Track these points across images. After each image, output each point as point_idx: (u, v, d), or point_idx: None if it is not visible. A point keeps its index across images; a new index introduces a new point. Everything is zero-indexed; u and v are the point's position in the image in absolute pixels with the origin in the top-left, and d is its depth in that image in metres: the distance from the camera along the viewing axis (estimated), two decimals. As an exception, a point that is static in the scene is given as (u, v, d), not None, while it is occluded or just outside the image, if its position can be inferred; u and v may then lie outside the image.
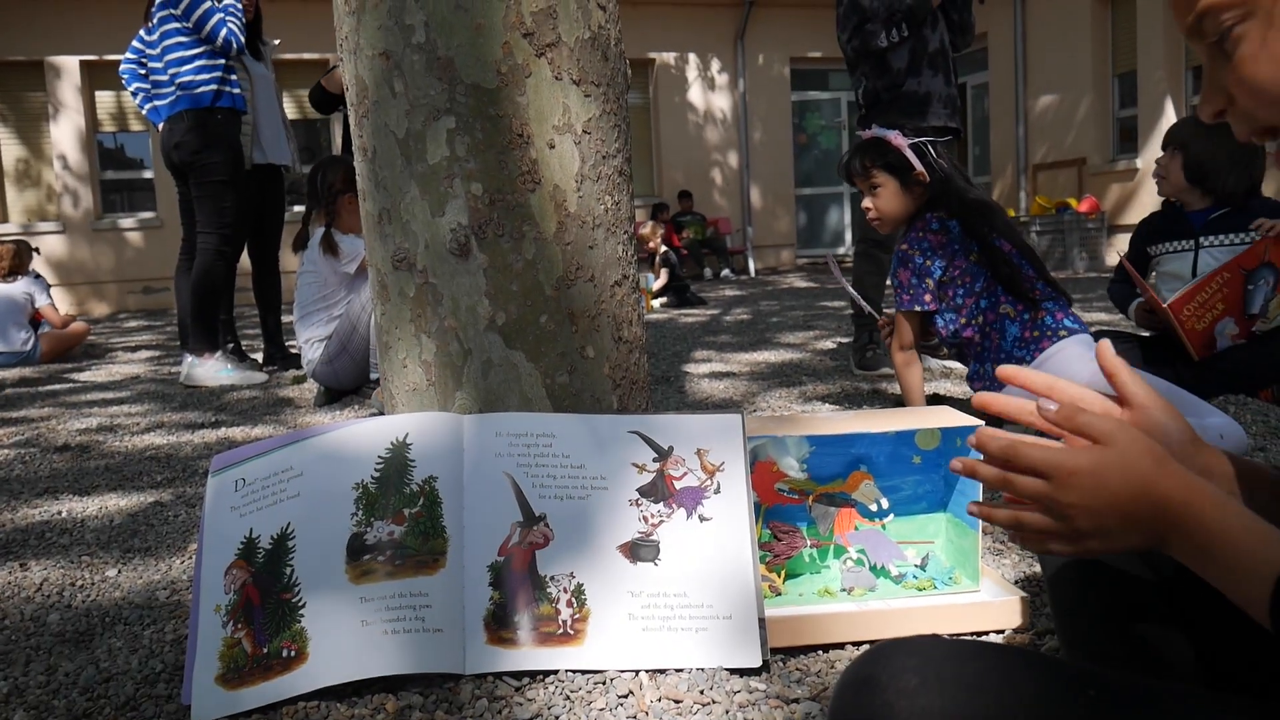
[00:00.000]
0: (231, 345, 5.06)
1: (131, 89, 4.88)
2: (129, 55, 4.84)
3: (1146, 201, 10.58)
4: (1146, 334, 3.36)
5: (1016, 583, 1.67)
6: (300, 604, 1.37)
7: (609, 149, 1.63)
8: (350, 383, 3.94)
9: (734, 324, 6.73)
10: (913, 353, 2.89)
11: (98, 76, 11.87)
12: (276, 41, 5.47)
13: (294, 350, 5.03)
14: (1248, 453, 2.39)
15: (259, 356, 5.36)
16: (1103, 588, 1.04)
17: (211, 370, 4.62)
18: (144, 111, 4.87)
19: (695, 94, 14.32)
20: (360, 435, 1.49)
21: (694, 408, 3.48)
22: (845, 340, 5.22)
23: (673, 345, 5.51)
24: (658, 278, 9.30)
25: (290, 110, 12.21)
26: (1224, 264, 2.98)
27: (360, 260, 3.89)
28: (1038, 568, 1.73)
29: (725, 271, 13.39)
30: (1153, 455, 0.81)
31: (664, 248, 9.74)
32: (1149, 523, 0.80)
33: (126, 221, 12.27)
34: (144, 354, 6.52)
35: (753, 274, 14.03)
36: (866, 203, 2.91)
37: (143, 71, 4.81)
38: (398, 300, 1.63)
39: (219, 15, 4.54)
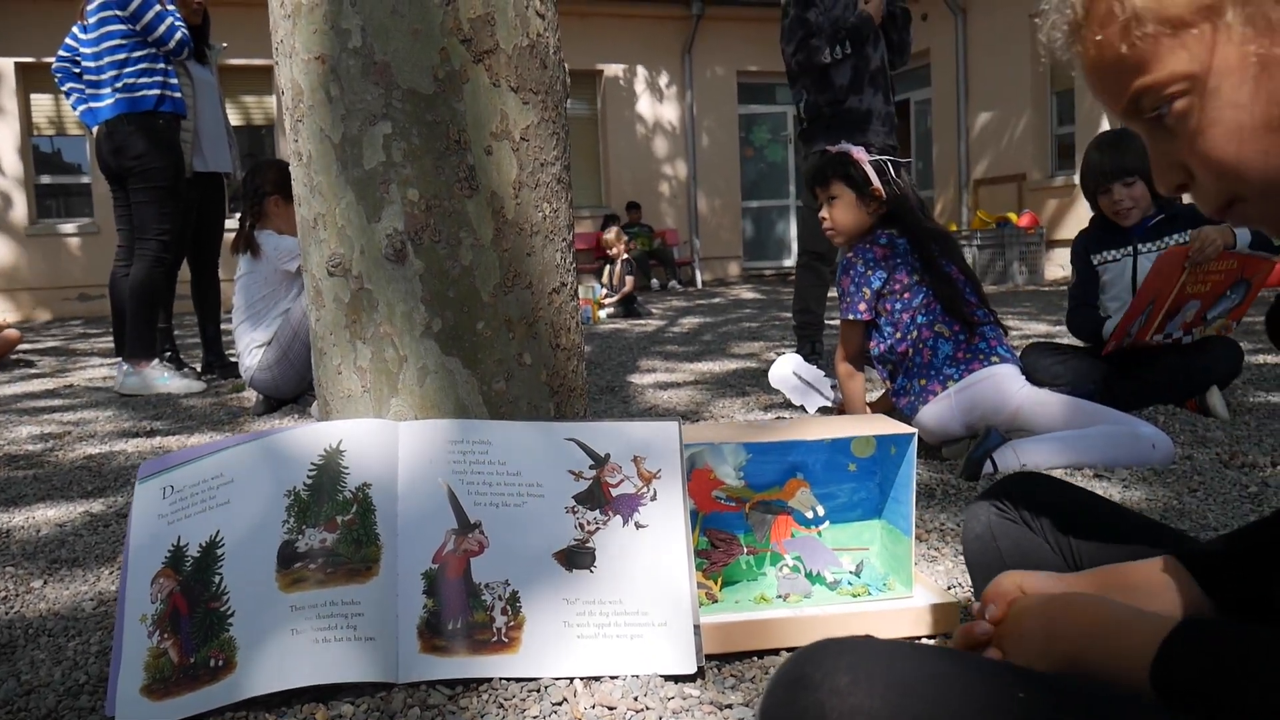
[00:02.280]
0: (169, 353, 4.97)
1: (65, 89, 4.75)
2: (61, 54, 4.71)
3: (1083, 216, 10.76)
4: (1081, 345, 3.43)
5: (950, 588, 1.69)
6: (229, 613, 1.35)
7: (547, 156, 1.63)
8: (289, 391, 3.89)
9: (680, 334, 6.76)
10: (857, 363, 2.92)
11: (34, 79, 11.61)
12: (224, 45, 5.39)
13: (233, 359, 4.96)
14: (1175, 461, 2.45)
15: (198, 365, 5.27)
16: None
17: (148, 379, 4.54)
18: (78, 113, 4.75)
19: (643, 106, 14.37)
20: (293, 442, 1.47)
21: (637, 417, 3.49)
22: (789, 347, 5.26)
23: (618, 356, 5.51)
24: (624, 286, 9.27)
25: (234, 117, 12.07)
26: (1238, 253, 2.93)
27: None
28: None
29: (672, 283, 13.43)
30: (1041, 597, 0.99)
31: (625, 255, 9.74)
32: (1049, 631, 0.94)
33: (62, 227, 12.02)
34: (79, 362, 6.38)
35: (700, 285, 14.09)
36: (824, 213, 2.94)
37: (76, 71, 4.68)
38: (333, 306, 1.61)
39: (170, 19, 4.46)
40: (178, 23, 4.51)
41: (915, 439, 1.56)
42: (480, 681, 1.35)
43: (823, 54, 4.06)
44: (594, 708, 1.28)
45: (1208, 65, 0.74)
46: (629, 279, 9.36)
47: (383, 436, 1.48)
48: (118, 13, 4.44)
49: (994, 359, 2.63)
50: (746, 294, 11.68)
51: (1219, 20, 0.72)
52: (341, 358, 1.62)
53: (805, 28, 4.09)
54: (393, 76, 1.52)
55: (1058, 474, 2.41)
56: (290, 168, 1.70)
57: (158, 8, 4.43)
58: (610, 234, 10.01)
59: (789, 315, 7.74)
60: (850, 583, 1.63)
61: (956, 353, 2.65)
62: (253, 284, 3.96)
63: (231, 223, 4.91)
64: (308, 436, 1.47)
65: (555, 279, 1.66)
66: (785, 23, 4.20)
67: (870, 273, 2.77)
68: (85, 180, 12.12)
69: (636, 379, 4.51)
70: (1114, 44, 0.76)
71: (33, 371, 5.90)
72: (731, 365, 4.86)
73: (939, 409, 2.63)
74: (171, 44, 4.47)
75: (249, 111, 12.50)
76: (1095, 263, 3.35)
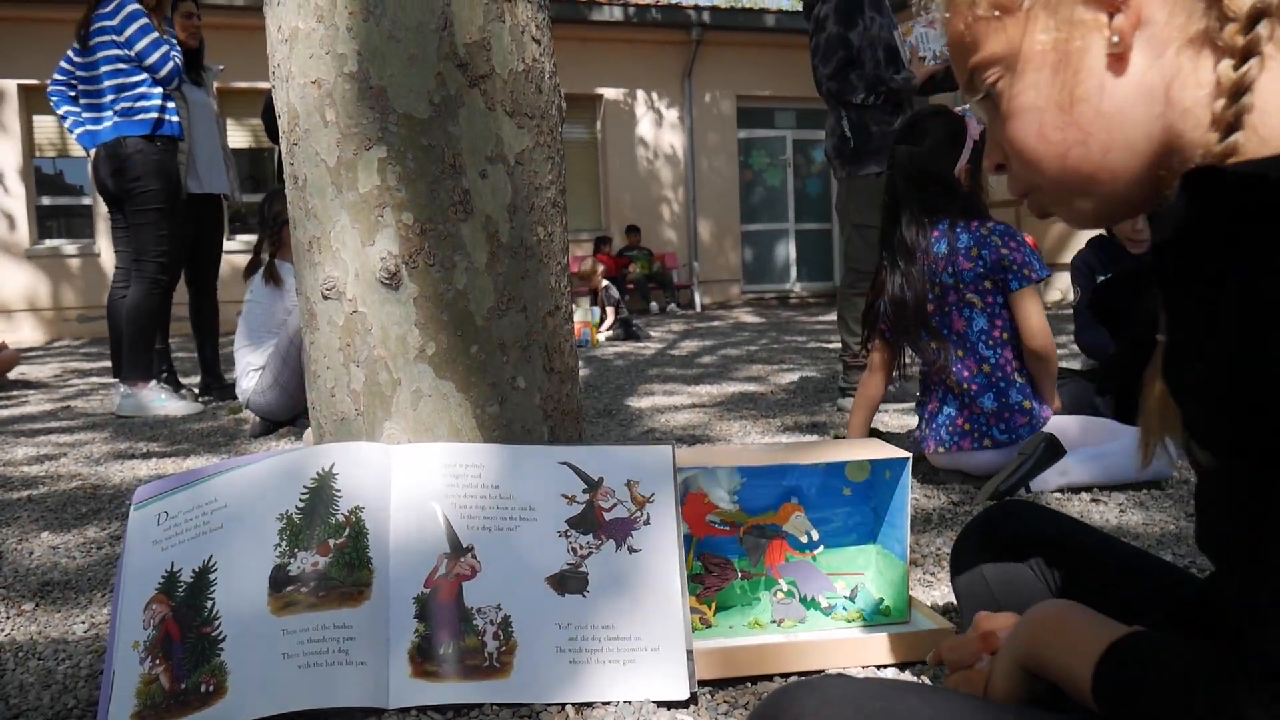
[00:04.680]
0: (166, 375, 4.97)
1: (60, 112, 4.75)
2: (57, 76, 4.70)
3: (1083, 241, 10.82)
4: (1077, 369, 3.43)
5: (946, 613, 1.68)
6: (220, 638, 1.34)
7: (542, 180, 1.64)
8: (285, 414, 3.88)
9: (678, 358, 6.76)
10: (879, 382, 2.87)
11: (36, 101, 11.64)
12: (220, 67, 5.40)
13: (231, 380, 4.96)
14: (1175, 469, 2.45)
15: (195, 387, 5.27)
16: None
17: (146, 401, 4.53)
18: (74, 135, 4.74)
19: (643, 130, 14.42)
20: (285, 465, 1.47)
21: (632, 441, 3.48)
22: (788, 370, 5.25)
23: (616, 379, 5.51)
24: (606, 317, 9.28)
25: (237, 139, 12.12)
26: None
27: None
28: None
29: (672, 306, 13.44)
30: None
31: (605, 282, 9.74)
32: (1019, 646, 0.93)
33: (63, 248, 12.05)
34: (77, 383, 6.38)
35: (699, 309, 14.11)
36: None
37: (72, 94, 4.69)
38: (326, 329, 1.61)
39: (165, 47, 4.48)
40: (173, 50, 4.53)
41: (910, 463, 1.56)
42: (471, 707, 1.34)
43: (857, 95, 3.91)
44: (585, 734, 1.27)
45: (1018, 49, 0.79)
46: (609, 309, 9.36)
47: (376, 460, 1.48)
48: (115, 38, 4.46)
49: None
50: (746, 318, 11.69)
51: (1030, 8, 0.78)
52: (335, 380, 1.62)
53: (846, 49, 3.88)
54: (388, 101, 1.53)
55: (1056, 498, 2.40)
56: (286, 191, 1.70)
57: (154, 35, 4.46)
58: (585, 265, 10.01)
59: (789, 339, 7.74)
60: (845, 608, 1.62)
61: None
62: (261, 311, 3.97)
63: (231, 244, 4.91)
64: (300, 460, 1.47)
65: (550, 302, 1.66)
66: (821, 38, 3.97)
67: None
68: (86, 202, 12.15)
69: (634, 402, 4.51)
70: (958, 23, 0.84)
71: (30, 392, 5.90)
72: (730, 389, 4.86)
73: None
74: (163, 72, 4.49)
75: (253, 133, 12.53)
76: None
